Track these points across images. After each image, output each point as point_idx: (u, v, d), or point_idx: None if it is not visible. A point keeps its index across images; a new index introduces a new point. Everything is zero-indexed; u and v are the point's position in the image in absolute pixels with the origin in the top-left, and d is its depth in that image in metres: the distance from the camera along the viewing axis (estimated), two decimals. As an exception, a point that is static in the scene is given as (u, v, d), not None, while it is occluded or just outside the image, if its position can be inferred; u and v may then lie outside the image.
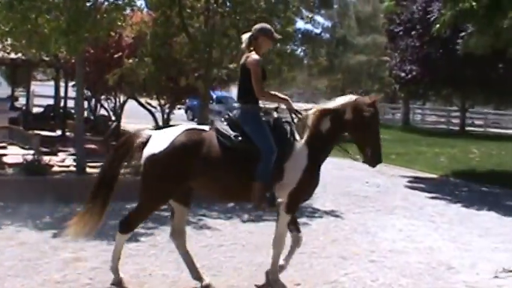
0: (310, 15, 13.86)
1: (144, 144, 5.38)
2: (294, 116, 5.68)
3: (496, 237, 8.76)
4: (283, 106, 5.77)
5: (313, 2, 15.37)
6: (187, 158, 5.26)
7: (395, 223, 9.43)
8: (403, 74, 17.52)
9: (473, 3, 11.60)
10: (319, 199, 10.51)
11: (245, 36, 5.61)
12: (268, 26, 5.75)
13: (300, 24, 42.34)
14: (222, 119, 5.61)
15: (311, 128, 5.49)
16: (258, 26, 5.72)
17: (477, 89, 21.87)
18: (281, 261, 5.70)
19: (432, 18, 14.21)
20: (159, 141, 5.32)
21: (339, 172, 13.91)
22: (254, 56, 5.46)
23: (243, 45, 5.61)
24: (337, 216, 9.71)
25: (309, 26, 21.54)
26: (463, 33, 13.54)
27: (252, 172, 5.25)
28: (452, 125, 35.47)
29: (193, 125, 6.47)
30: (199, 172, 5.30)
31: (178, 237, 5.66)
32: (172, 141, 5.26)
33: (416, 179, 14.67)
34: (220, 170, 5.29)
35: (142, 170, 5.40)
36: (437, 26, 12.71)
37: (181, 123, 6.45)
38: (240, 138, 5.32)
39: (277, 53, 12.19)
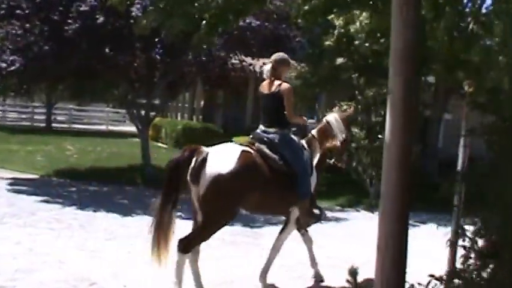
0: None
1: (204, 162, 5.37)
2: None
3: (127, 240, 8.21)
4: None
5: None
6: (249, 177, 5.50)
7: (8, 235, 8.00)
8: (3, 65, 15.26)
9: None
10: None
11: (267, 68, 6.10)
12: (285, 56, 6.27)
13: None
14: (262, 142, 5.92)
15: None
16: (275, 56, 6.16)
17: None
18: None
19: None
20: (222, 161, 5.40)
21: None
22: (286, 84, 5.99)
23: (265, 75, 6.10)
24: None
25: None
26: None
27: (293, 190, 5.81)
28: (36, 122, 34.11)
29: (236, 144, 6.10)
30: (254, 190, 5.56)
31: (193, 253, 5.59)
32: (237, 161, 5.41)
33: (18, 181, 13.17)
34: (269, 189, 5.65)
35: (209, 189, 5.33)
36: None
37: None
38: (282, 161, 5.79)
39: None
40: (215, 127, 22.03)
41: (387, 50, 13.18)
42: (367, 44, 13.35)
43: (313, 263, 6.56)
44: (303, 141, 6.25)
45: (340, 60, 15.74)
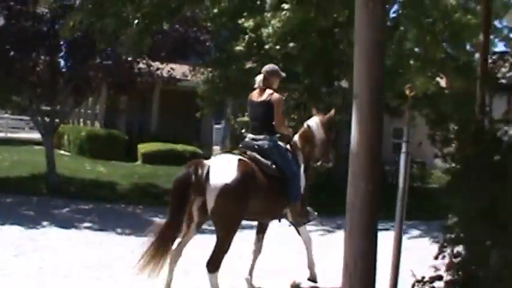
0: None
1: (208, 175, 5.54)
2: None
3: (36, 254, 7.70)
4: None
5: None
6: (251, 183, 5.72)
7: None
8: None
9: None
10: None
11: (259, 78, 6.37)
12: (276, 67, 6.62)
13: None
14: (253, 149, 6.17)
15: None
16: (267, 67, 6.54)
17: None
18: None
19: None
20: (224, 171, 5.59)
21: None
22: (277, 95, 6.27)
23: (257, 84, 6.36)
24: None
25: None
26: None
27: (285, 193, 6.14)
28: None
29: (230, 154, 6.52)
30: (256, 196, 5.77)
31: (176, 256, 5.79)
32: (237, 171, 5.60)
33: None
34: (265, 194, 5.90)
35: (218, 200, 5.48)
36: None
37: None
38: (274, 166, 6.08)
39: None
40: (120, 134, 21.46)
41: (299, 54, 13.40)
42: (278, 47, 13.40)
43: (251, 270, 6.59)
44: (287, 147, 6.49)
45: (249, 65, 15.74)
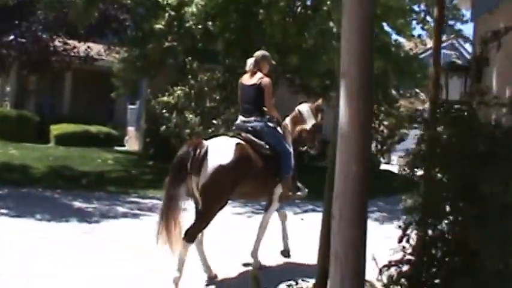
0: None
1: (205, 155, 5.83)
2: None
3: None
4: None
5: None
6: (245, 166, 6.07)
7: None
8: None
9: None
10: None
11: (250, 61, 6.65)
12: (267, 53, 6.93)
13: None
14: (247, 131, 6.48)
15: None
16: (259, 52, 6.82)
17: None
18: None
19: None
20: (221, 152, 5.91)
21: None
22: (267, 78, 6.56)
23: (248, 67, 6.65)
24: None
25: None
26: None
27: (277, 172, 6.50)
28: None
29: (228, 136, 6.58)
30: (247, 178, 6.14)
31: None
32: (234, 153, 5.96)
33: None
34: (259, 172, 6.26)
35: (210, 178, 5.77)
36: None
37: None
38: (267, 146, 6.43)
39: None
40: (31, 115, 20.54)
41: (220, 33, 13.28)
42: (200, 26, 13.22)
43: (285, 238, 7.11)
44: (279, 129, 6.80)
45: (168, 44, 15.45)
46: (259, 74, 6.61)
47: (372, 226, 3.66)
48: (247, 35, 15.14)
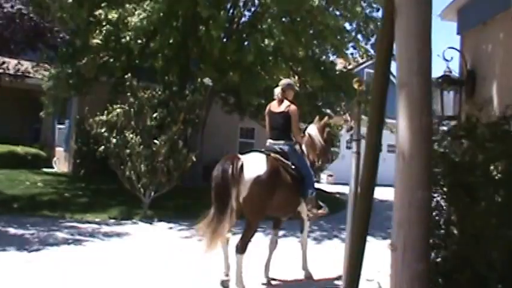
0: None
1: (242, 168, 6.42)
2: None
3: None
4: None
5: None
6: (277, 178, 6.67)
7: None
8: None
9: None
10: None
11: (277, 90, 7.37)
12: (291, 81, 8.00)
13: None
14: (275, 152, 7.05)
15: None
16: (285, 81, 7.67)
17: None
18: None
19: None
20: (257, 165, 6.53)
21: None
22: (294, 106, 7.25)
23: (276, 96, 7.37)
24: None
25: None
26: None
27: (300, 191, 7.12)
28: None
29: (259, 152, 7.03)
30: (280, 189, 6.67)
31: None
32: (268, 165, 6.58)
33: None
34: (287, 187, 6.83)
35: (250, 190, 6.36)
36: None
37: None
38: (293, 166, 7.06)
39: None
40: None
41: (159, 49, 12.84)
42: (139, 41, 12.73)
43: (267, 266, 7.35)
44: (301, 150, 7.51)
45: (104, 60, 14.80)
46: (286, 102, 7.27)
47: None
48: (185, 51, 14.79)
